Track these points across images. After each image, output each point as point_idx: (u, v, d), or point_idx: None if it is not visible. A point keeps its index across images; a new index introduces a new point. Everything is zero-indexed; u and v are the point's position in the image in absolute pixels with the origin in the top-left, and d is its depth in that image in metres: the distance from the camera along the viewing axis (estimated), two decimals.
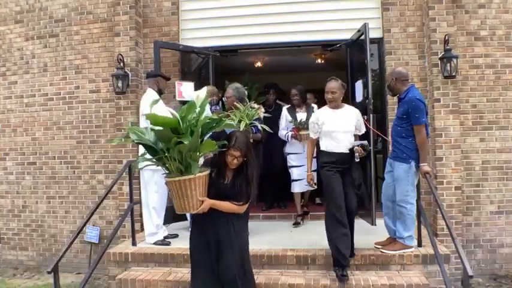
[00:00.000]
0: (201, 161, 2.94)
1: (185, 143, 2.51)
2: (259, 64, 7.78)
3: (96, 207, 3.99)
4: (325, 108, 3.82)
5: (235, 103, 4.22)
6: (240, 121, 3.96)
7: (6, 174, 5.82)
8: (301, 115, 4.90)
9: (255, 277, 3.54)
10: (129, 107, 5.18)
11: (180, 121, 2.60)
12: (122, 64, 5.12)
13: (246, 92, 4.73)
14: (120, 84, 5.11)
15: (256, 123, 4.14)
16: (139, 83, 5.33)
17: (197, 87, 4.95)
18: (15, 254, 5.75)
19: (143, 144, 2.73)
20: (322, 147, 3.76)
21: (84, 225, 3.91)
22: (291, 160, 5.04)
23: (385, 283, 3.50)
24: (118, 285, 3.89)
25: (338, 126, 3.67)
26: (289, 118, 4.93)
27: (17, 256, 5.74)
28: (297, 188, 4.99)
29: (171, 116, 3.55)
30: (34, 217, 5.68)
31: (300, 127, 4.78)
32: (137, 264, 4.12)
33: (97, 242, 5.32)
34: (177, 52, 5.41)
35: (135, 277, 3.85)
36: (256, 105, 4.36)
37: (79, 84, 5.57)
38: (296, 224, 4.99)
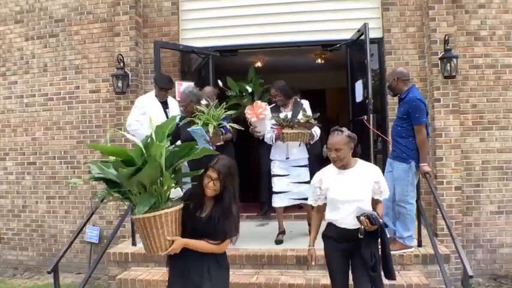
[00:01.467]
0: (179, 192, 2.60)
1: (140, 173, 2.13)
2: (259, 64, 7.77)
3: (96, 208, 3.99)
4: (331, 167, 2.85)
5: (196, 107, 3.83)
6: (206, 124, 3.68)
7: (6, 174, 5.82)
8: (286, 114, 4.32)
9: (255, 277, 3.55)
10: (129, 107, 5.17)
11: (143, 150, 2.19)
12: (121, 64, 5.12)
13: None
14: (120, 84, 5.11)
15: (224, 123, 3.82)
16: (139, 83, 5.33)
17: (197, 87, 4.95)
18: (15, 254, 5.75)
19: (105, 180, 2.33)
20: (326, 216, 2.92)
21: (84, 225, 3.92)
22: (274, 168, 4.39)
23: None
24: (118, 285, 3.89)
25: (346, 194, 2.72)
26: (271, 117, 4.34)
27: (17, 256, 5.74)
28: (277, 201, 4.35)
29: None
30: (34, 217, 5.68)
31: (284, 124, 4.15)
32: (137, 264, 4.12)
33: (97, 242, 5.32)
34: (177, 52, 5.40)
35: (135, 277, 3.85)
36: (261, 103, 4.27)
37: (79, 84, 5.57)
38: (278, 242, 4.28)
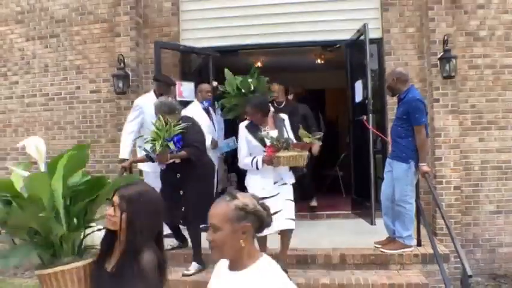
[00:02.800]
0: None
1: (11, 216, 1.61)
2: (259, 64, 7.78)
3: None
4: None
5: (168, 118, 3.65)
6: (154, 140, 3.47)
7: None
8: (270, 133, 3.51)
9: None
10: (129, 107, 5.16)
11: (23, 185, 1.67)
12: (122, 64, 5.13)
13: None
14: (120, 85, 5.12)
15: (171, 145, 3.51)
16: (140, 83, 5.35)
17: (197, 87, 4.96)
18: None
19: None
20: None
21: None
22: (258, 185, 3.44)
23: (385, 282, 3.51)
24: None
25: None
26: (252, 138, 3.52)
27: None
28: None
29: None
30: None
31: (279, 146, 3.35)
32: None
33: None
34: (178, 52, 5.42)
35: None
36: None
37: (80, 84, 5.58)
38: None
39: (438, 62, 4.74)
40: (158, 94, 4.43)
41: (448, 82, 4.76)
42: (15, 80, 5.79)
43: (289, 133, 3.59)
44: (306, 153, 3.43)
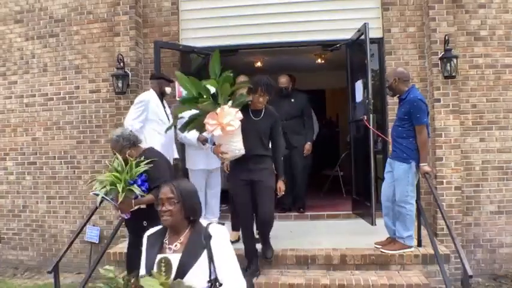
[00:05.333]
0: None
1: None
2: (259, 64, 7.78)
3: (96, 208, 3.99)
4: None
5: (131, 152, 3.13)
6: (112, 185, 2.86)
7: (7, 174, 5.82)
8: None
9: (255, 277, 3.54)
10: (129, 107, 5.13)
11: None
12: (121, 64, 5.11)
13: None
14: (120, 84, 5.11)
15: (135, 189, 2.89)
16: (140, 83, 5.33)
17: None
18: (16, 254, 5.75)
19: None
20: None
21: (85, 225, 3.91)
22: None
23: (385, 283, 3.50)
24: None
25: None
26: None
27: (17, 256, 5.74)
28: None
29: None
30: (34, 217, 5.68)
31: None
32: None
33: (97, 242, 5.32)
34: (177, 52, 5.40)
35: None
36: (230, 109, 3.30)
37: (79, 84, 5.57)
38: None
39: (439, 62, 4.73)
40: (159, 93, 4.41)
41: (449, 82, 4.75)
42: (14, 80, 5.78)
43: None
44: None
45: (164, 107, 4.43)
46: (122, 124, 5.11)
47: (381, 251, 3.83)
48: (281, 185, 3.66)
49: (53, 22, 5.68)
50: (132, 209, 2.96)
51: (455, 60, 4.65)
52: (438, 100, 4.77)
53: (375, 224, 4.39)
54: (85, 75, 5.56)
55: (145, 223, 2.88)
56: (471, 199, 4.87)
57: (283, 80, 5.38)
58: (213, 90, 3.42)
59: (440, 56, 4.72)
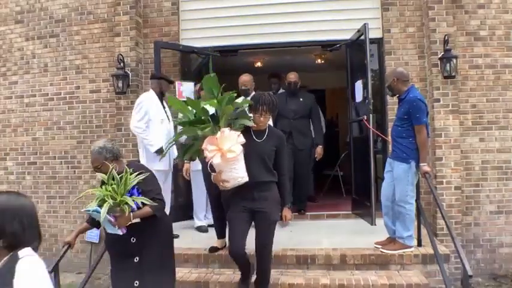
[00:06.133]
0: None
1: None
2: (259, 64, 7.79)
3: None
4: None
5: (115, 165, 2.88)
6: (102, 201, 2.63)
7: (7, 174, 5.82)
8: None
9: (255, 277, 3.54)
10: (129, 107, 5.17)
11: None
12: (122, 64, 5.12)
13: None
14: (120, 84, 5.11)
15: (128, 200, 2.64)
16: (140, 83, 5.34)
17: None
18: None
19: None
20: None
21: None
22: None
23: (385, 283, 3.50)
24: None
25: None
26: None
27: None
28: None
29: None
30: None
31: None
32: None
33: (97, 241, 5.32)
34: (177, 52, 5.41)
35: None
36: (231, 132, 3.01)
37: (79, 84, 5.58)
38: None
39: (439, 62, 4.74)
40: (159, 93, 4.43)
41: (449, 82, 4.76)
42: (15, 80, 5.79)
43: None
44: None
45: (164, 107, 4.44)
46: (122, 124, 5.15)
47: (381, 251, 3.84)
48: (287, 213, 3.33)
49: (53, 22, 5.69)
50: (131, 222, 2.75)
51: (454, 60, 4.66)
52: (438, 100, 4.77)
53: (375, 224, 4.40)
54: (85, 76, 5.57)
55: (133, 239, 2.81)
56: (471, 199, 4.87)
57: (292, 76, 5.25)
58: (212, 110, 3.16)
59: (439, 56, 4.73)
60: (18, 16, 5.82)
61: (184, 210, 5.11)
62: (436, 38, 4.79)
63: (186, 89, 5.07)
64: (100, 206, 2.62)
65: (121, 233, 2.73)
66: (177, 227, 4.77)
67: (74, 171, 5.57)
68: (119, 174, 2.72)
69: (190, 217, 4.94)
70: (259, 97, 3.18)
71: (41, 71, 5.71)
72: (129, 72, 5.19)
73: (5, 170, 5.83)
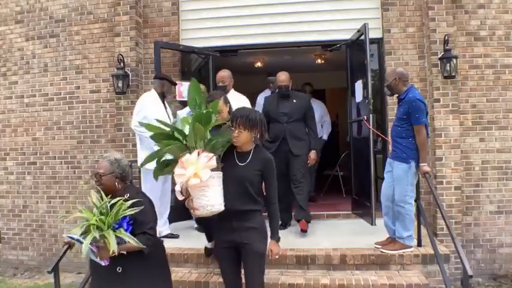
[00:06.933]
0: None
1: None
2: (259, 64, 7.79)
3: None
4: None
5: (117, 182, 2.71)
6: (88, 228, 2.43)
7: (7, 174, 5.83)
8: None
9: None
10: (129, 107, 5.18)
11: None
12: (122, 64, 5.12)
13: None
14: (120, 85, 5.12)
15: (121, 232, 2.47)
16: (140, 83, 5.34)
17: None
18: (16, 253, 5.76)
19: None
20: None
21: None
22: None
23: (385, 283, 3.50)
24: None
25: None
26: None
27: (18, 256, 5.75)
28: None
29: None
30: (35, 217, 5.69)
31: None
32: None
33: None
34: (177, 52, 5.41)
35: None
36: (204, 153, 2.58)
37: (79, 84, 5.58)
38: None
39: (439, 62, 4.74)
40: (160, 93, 4.42)
41: (449, 82, 4.76)
42: (15, 80, 5.79)
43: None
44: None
45: (166, 108, 4.45)
46: (122, 124, 5.15)
47: (381, 251, 3.84)
48: (273, 247, 2.83)
49: (53, 22, 5.69)
50: (114, 254, 2.47)
51: (454, 60, 4.66)
52: (438, 100, 4.77)
53: (375, 224, 4.40)
54: (85, 76, 5.57)
55: (119, 269, 2.61)
56: (471, 199, 4.87)
57: (283, 78, 4.64)
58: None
59: (439, 56, 4.73)
60: (18, 16, 5.82)
61: (184, 210, 5.05)
62: (436, 38, 4.79)
63: (186, 89, 5.06)
64: (84, 233, 2.44)
65: (103, 264, 2.53)
66: (177, 227, 4.79)
67: (74, 171, 5.57)
68: (116, 197, 2.55)
69: (190, 217, 4.93)
70: (237, 111, 2.79)
71: (41, 71, 5.72)
72: (129, 72, 5.19)
73: (5, 170, 5.83)
